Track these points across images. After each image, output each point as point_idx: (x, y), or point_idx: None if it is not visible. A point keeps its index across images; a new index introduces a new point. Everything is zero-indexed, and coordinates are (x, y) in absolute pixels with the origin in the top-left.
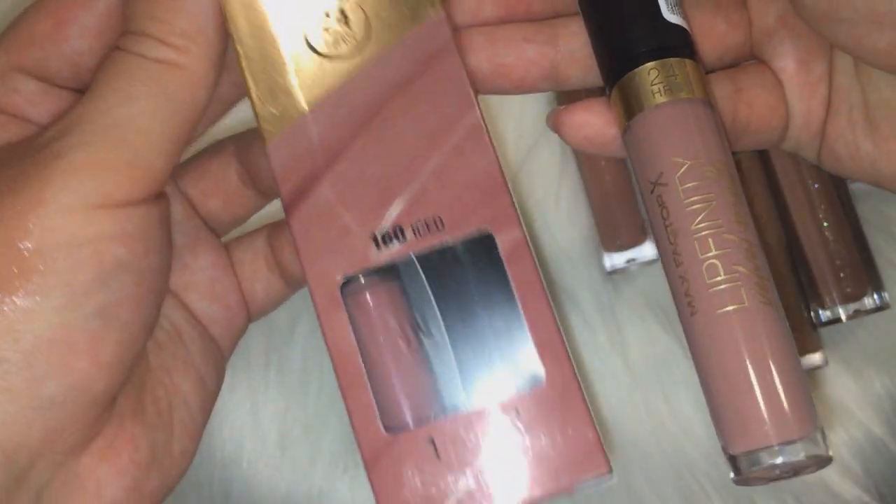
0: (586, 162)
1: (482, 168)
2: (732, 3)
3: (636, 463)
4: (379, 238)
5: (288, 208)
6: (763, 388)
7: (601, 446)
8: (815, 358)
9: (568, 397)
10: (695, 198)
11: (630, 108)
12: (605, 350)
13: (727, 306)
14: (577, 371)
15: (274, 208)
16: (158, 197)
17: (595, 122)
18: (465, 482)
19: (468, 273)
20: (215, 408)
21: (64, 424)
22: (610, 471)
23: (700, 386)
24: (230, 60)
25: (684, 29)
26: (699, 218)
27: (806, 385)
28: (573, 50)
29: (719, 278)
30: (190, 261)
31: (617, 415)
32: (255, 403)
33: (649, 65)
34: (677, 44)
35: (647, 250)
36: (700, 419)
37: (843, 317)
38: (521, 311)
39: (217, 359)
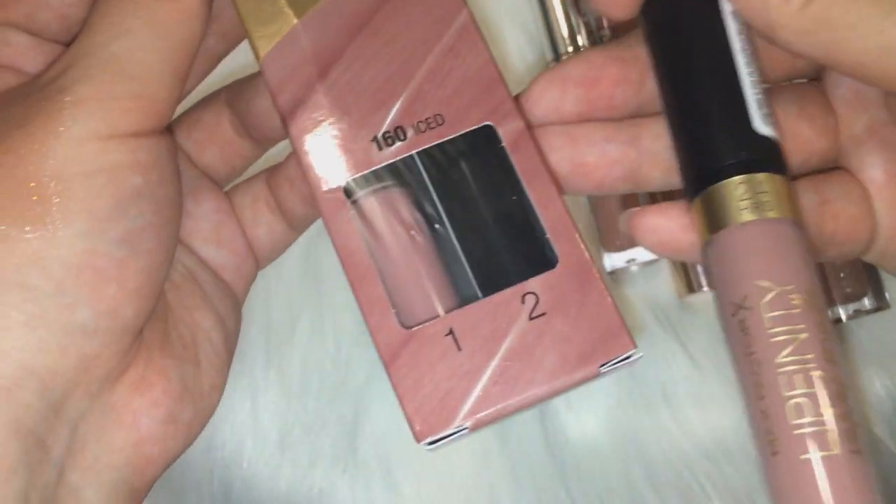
0: None
1: (478, 66)
2: (819, 109)
3: (636, 463)
4: (380, 139)
5: (285, 118)
6: None
7: (623, 324)
8: None
9: (584, 278)
10: (781, 328)
11: (713, 222)
12: None
13: (813, 453)
14: (590, 252)
15: (272, 157)
16: (164, 131)
17: (671, 228)
18: (489, 373)
19: (471, 168)
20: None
21: (98, 351)
22: (635, 346)
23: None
24: (217, 9)
25: (776, 142)
26: (785, 351)
27: None
28: (656, 152)
29: (805, 420)
30: (192, 208)
31: (617, 415)
32: (255, 403)
33: (737, 179)
34: (768, 158)
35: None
36: (700, 419)
37: (843, 317)
38: (530, 197)
39: (233, 301)
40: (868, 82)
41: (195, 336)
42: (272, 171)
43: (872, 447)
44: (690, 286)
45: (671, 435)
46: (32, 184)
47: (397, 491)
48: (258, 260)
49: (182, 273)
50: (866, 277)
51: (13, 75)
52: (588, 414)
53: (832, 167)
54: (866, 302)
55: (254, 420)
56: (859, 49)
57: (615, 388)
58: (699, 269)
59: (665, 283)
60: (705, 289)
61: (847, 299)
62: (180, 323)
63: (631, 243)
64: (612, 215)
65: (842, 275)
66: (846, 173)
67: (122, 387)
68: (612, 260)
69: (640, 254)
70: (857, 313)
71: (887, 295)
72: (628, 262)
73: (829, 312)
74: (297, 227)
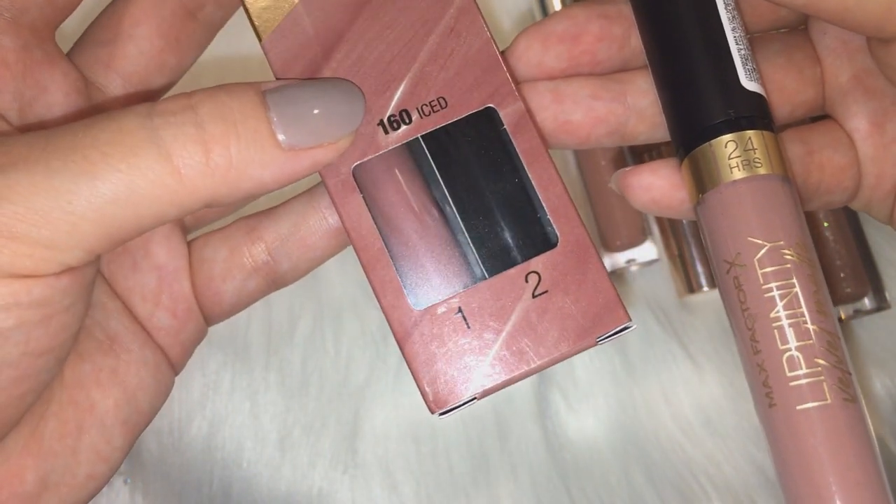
0: (586, 162)
1: (478, 47)
2: (806, 59)
3: (636, 463)
4: (386, 123)
5: None
6: (844, 494)
7: (619, 299)
8: None
9: (583, 256)
10: (774, 283)
11: (704, 181)
12: (605, 350)
13: (808, 403)
14: (588, 231)
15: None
16: (71, 269)
17: (662, 185)
18: (496, 347)
19: (474, 150)
20: (216, 408)
21: None
22: (629, 319)
23: (771, 455)
24: None
25: (762, 97)
26: (779, 305)
27: (889, 493)
28: (642, 108)
29: (800, 372)
30: (141, 259)
31: (617, 415)
32: (255, 404)
33: (726, 137)
34: (756, 114)
35: (647, 250)
36: (700, 419)
37: (843, 317)
38: (531, 178)
39: (161, 370)
40: (850, 28)
41: (82, 421)
42: (254, 224)
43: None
44: (690, 286)
45: (671, 435)
46: None
47: (397, 491)
48: (210, 319)
49: (98, 340)
50: (866, 277)
51: None
52: (588, 414)
53: (820, 116)
54: (866, 302)
55: (254, 420)
56: None
57: (615, 388)
58: (699, 268)
59: (665, 283)
60: (705, 289)
61: (847, 299)
62: (68, 406)
63: (631, 243)
64: (612, 215)
65: (842, 275)
66: (832, 122)
67: None
68: (612, 260)
69: (640, 254)
70: (857, 313)
71: (887, 295)
72: (628, 262)
73: None
74: (278, 283)
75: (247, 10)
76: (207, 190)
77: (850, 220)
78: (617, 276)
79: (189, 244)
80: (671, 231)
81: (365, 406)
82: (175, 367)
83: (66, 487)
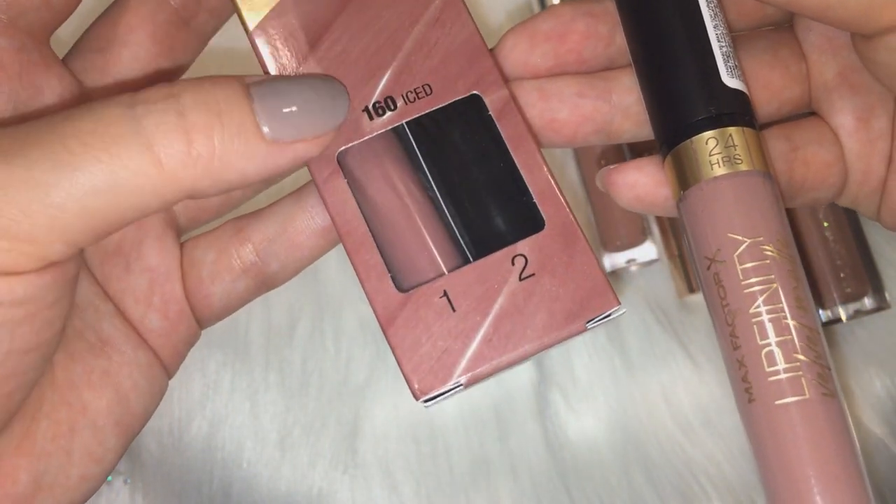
0: (586, 162)
1: (463, 37)
2: (791, 56)
3: (636, 463)
4: (371, 109)
5: None
6: (823, 488)
7: (608, 283)
8: None
9: (570, 239)
10: (754, 279)
11: (686, 177)
12: (605, 350)
13: (787, 397)
14: (574, 215)
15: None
16: (54, 265)
17: (646, 183)
18: (483, 331)
19: (459, 136)
20: (216, 408)
21: None
22: (619, 303)
23: (751, 450)
24: None
25: (744, 94)
26: (758, 301)
27: (868, 486)
28: (627, 105)
29: (779, 367)
30: (133, 261)
31: (617, 415)
32: (255, 404)
33: (707, 134)
34: (737, 111)
35: (647, 250)
36: (700, 419)
37: (843, 317)
38: (517, 163)
39: (154, 372)
40: (832, 24)
41: (74, 422)
42: (242, 225)
43: (873, 447)
44: (690, 286)
45: (671, 435)
46: None
47: (397, 491)
48: (202, 321)
49: (89, 342)
50: (866, 277)
51: None
52: (588, 414)
53: (806, 113)
54: (866, 302)
55: (254, 420)
56: None
57: (615, 387)
58: None
59: (665, 283)
60: None
61: (847, 299)
62: (61, 406)
63: (631, 243)
64: (612, 215)
65: (842, 275)
66: (818, 119)
67: None
68: (612, 260)
69: (640, 254)
70: (858, 313)
71: (887, 295)
72: (628, 262)
73: (829, 312)
74: (268, 285)
75: (234, 2)
76: (189, 181)
77: (850, 220)
78: (617, 276)
79: (181, 246)
80: (671, 231)
81: (365, 406)
82: (168, 370)
83: (59, 489)
